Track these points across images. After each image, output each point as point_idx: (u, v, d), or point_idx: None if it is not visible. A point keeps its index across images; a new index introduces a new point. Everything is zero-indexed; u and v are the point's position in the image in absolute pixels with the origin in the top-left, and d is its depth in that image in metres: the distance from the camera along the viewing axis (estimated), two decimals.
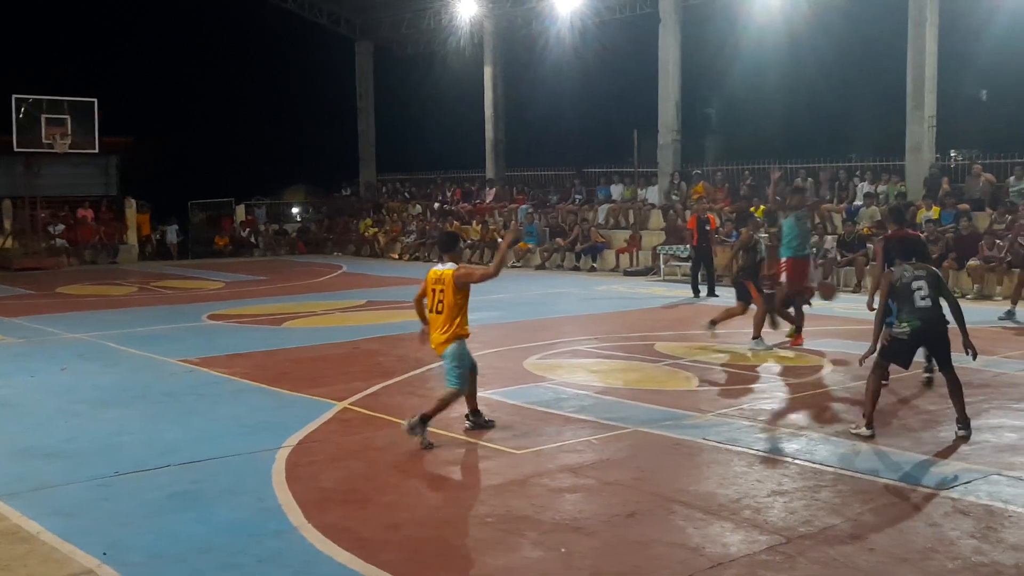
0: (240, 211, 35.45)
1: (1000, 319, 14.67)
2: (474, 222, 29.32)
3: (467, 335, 8.37)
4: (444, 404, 8.22)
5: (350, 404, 9.77)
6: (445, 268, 8.33)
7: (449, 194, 32.96)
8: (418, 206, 32.89)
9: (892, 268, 8.81)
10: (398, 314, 16.94)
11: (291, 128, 39.13)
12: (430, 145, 36.55)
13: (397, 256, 30.26)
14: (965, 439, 8.15)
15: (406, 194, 35.29)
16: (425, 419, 8.06)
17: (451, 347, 8.23)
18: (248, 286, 22.70)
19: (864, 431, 8.27)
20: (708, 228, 19.57)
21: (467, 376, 8.40)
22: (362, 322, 16.11)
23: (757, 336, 12.75)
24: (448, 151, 35.35)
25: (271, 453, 7.95)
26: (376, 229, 32.23)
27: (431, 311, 8.34)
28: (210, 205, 36.01)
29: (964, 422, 8.28)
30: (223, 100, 37.88)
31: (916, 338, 8.37)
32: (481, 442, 8.32)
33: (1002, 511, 6.40)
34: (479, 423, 8.70)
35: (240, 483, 7.23)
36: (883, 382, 9.15)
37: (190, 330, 15.49)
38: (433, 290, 8.30)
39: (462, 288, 8.23)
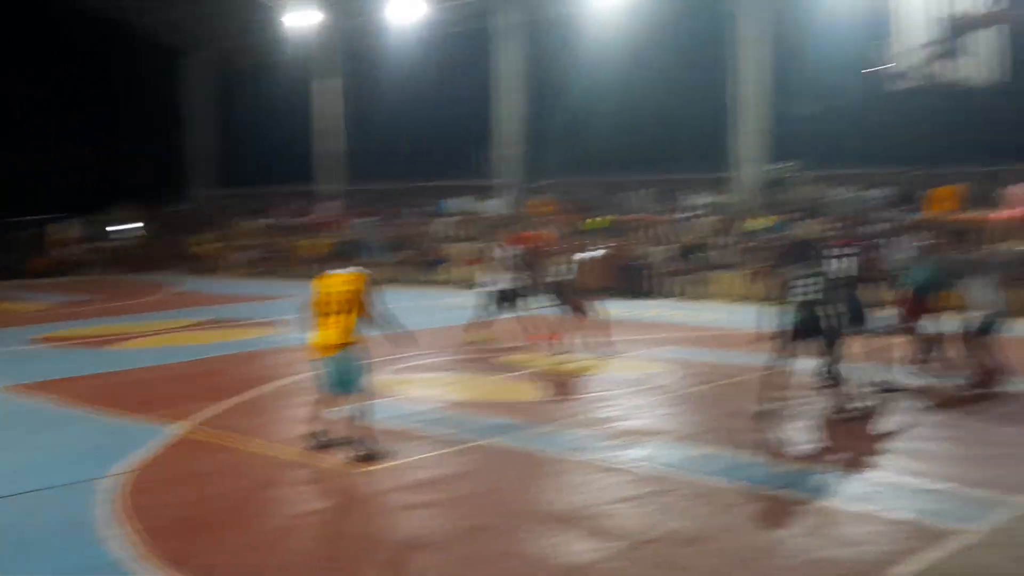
0: (70, 228, 33.66)
1: None
2: (318, 236, 28.78)
3: (365, 341, 8.20)
4: (366, 412, 8.11)
5: (186, 427, 9.36)
6: (354, 272, 8.17)
7: (292, 208, 32.27)
8: (259, 220, 32.06)
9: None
10: (239, 332, 16.47)
11: (119, 142, 37.50)
12: (271, 158, 35.72)
13: (237, 272, 29.38)
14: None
15: (246, 208, 34.35)
16: (365, 438, 8.05)
17: (351, 352, 8.03)
18: (74, 306, 21.57)
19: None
20: (539, 242, 19.93)
21: (368, 378, 8.22)
22: (201, 341, 15.55)
23: (570, 348, 12.89)
24: (289, 164, 34.63)
25: (99, 482, 7.52)
26: (214, 245, 31.23)
27: (327, 315, 8.08)
28: (26, 223, 34.00)
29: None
30: (40, 113, 35.94)
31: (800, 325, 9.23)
32: (323, 463, 8.12)
33: (834, 509, 6.68)
34: (327, 442, 8.48)
35: (58, 518, 6.77)
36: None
37: (9, 355, 14.58)
38: (337, 292, 8.07)
39: (369, 293, 8.09)
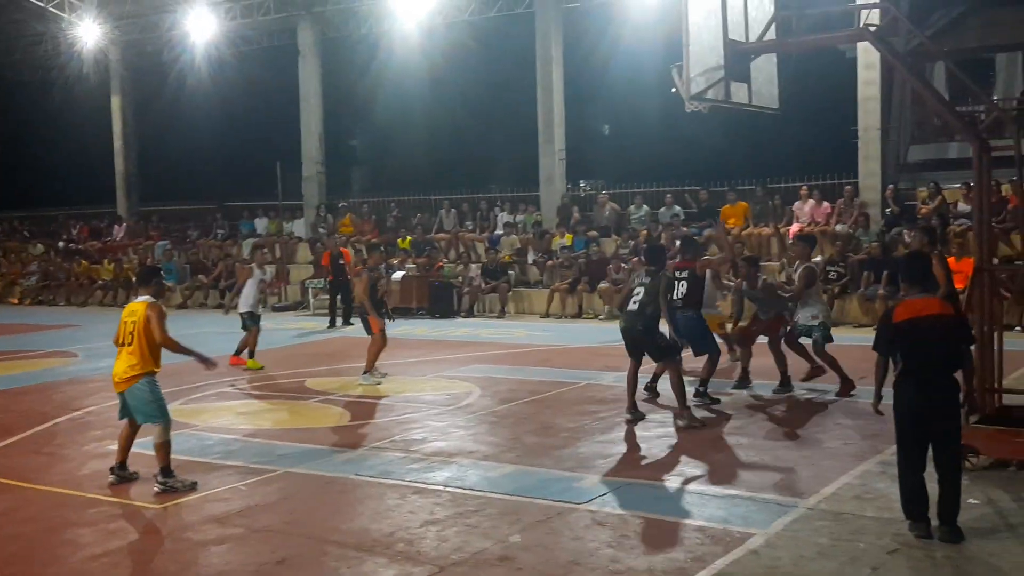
0: None
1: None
2: (105, 261, 27.35)
3: (158, 370, 7.91)
4: (166, 444, 7.80)
5: None
6: (141, 300, 7.93)
7: (76, 232, 30.51)
8: (40, 245, 30.11)
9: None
10: (19, 365, 15.40)
11: None
12: (53, 180, 33.69)
13: (17, 301, 27.49)
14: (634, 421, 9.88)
15: (25, 232, 32.23)
16: (166, 471, 7.76)
17: (142, 383, 7.77)
18: None
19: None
20: (342, 262, 19.82)
21: (165, 407, 7.93)
22: None
23: (369, 371, 12.54)
24: (74, 186, 32.78)
25: None
26: None
27: (120, 346, 7.86)
28: None
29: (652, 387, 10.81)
30: None
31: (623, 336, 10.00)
32: (120, 499, 7.68)
33: (634, 519, 6.86)
34: (124, 476, 8.09)
35: None
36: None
37: None
38: (125, 322, 7.85)
39: (155, 323, 7.77)
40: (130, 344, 7.80)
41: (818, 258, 18.58)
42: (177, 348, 7.90)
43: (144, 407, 7.82)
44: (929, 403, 6.14)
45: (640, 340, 9.92)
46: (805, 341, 11.20)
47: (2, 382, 13.62)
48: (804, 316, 11.07)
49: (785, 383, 11.20)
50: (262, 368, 13.91)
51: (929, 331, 6.18)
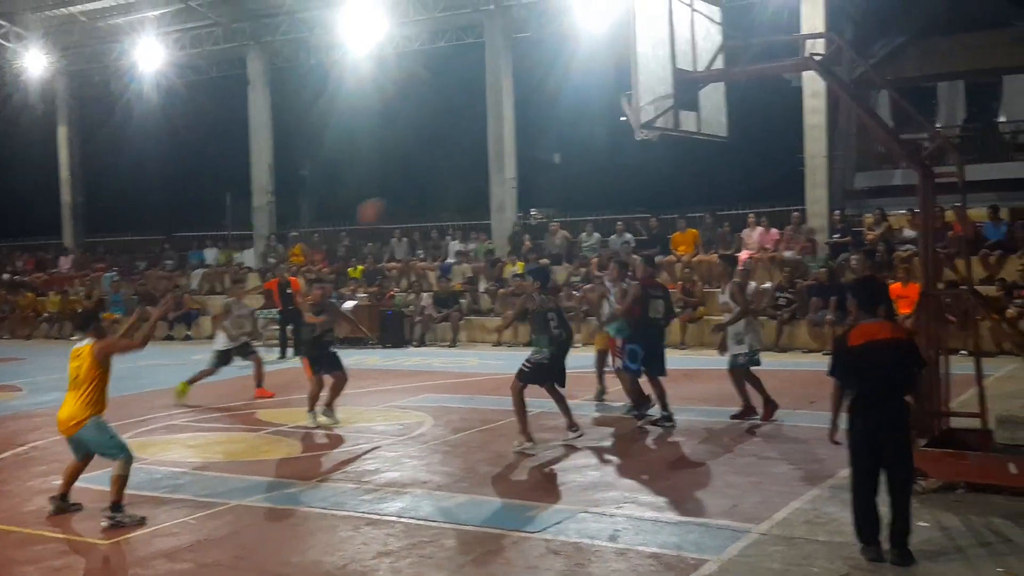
0: None
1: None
2: (51, 293, 26.88)
3: (104, 410, 7.84)
4: (124, 478, 7.70)
5: None
6: (85, 343, 7.89)
7: (21, 264, 29.97)
8: None
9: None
10: None
11: None
12: (4, 210, 33.11)
13: None
14: (578, 438, 10.02)
15: None
16: (116, 506, 7.63)
17: (90, 425, 7.72)
18: None
19: (527, 445, 9.76)
20: (290, 291, 19.66)
21: (122, 441, 7.88)
22: None
23: (311, 409, 11.89)
24: (17, 216, 32.23)
25: None
26: None
27: (67, 389, 7.84)
28: None
29: (574, 427, 10.17)
30: None
31: (553, 362, 9.99)
32: (63, 534, 7.50)
33: (588, 547, 6.85)
34: (64, 507, 8.00)
35: None
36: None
37: None
38: (71, 366, 7.86)
39: (103, 362, 7.81)
40: (77, 389, 7.77)
41: (767, 284, 18.89)
42: (148, 331, 8.32)
43: (102, 446, 7.79)
44: (882, 427, 6.20)
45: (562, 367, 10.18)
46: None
47: None
48: (733, 341, 11.12)
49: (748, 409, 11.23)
50: (184, 396, 13.64)
51: (883, 355, 6.23)
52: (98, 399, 7.80)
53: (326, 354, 11.78)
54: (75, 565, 6.98)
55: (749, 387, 11.09)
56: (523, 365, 10.12)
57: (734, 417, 11.04)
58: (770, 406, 11.04)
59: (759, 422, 10.96)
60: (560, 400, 10.22)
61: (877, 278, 7.86)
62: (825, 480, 8.25)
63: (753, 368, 11.13)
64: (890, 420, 6.23)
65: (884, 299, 6.72)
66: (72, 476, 8.02)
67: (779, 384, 11.95)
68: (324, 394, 11.73)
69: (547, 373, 10.09)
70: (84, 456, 7.96)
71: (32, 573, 6.76)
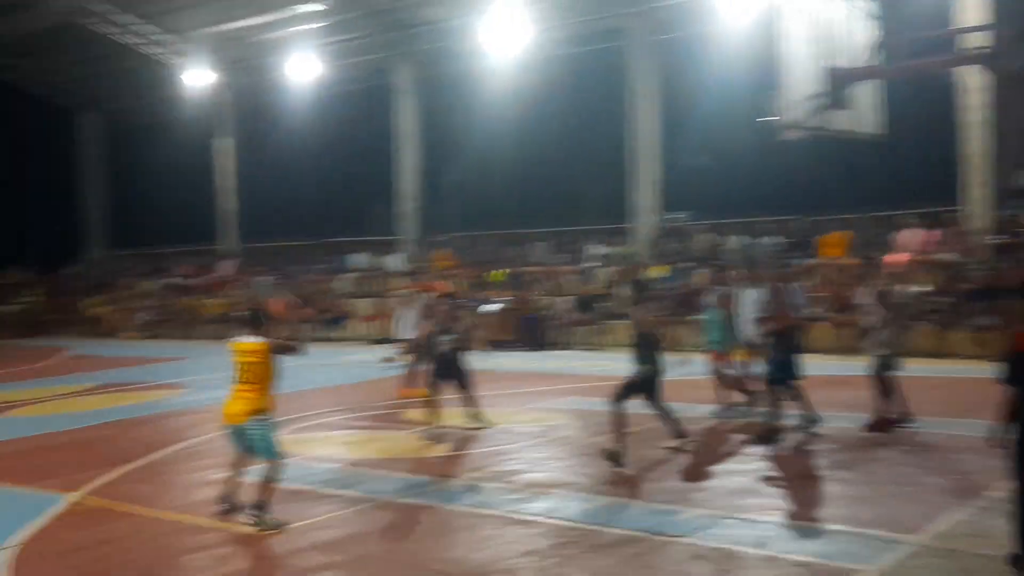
0: None
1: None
2: (212, 297, 28.25)
3: (273, 409, 8.05)
4: (273, 481, 7.85)
5: (82, 496, 9.02)
6: (256, 340, 7.98)
7: (185, 268, 31.64)
8: (152, 282, 31.31)
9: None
10: (132, 396, 15.99)
11: (9, 204, 36.28)
12: (164, 219, 34.99)
13: (131, 335, 28.59)
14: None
15: (139, 269, 33.54)
16: (262, 506, 7.77)
17: (259, 419, 7.88)
18: None
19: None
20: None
21: (279, 446, 8.04)
22: (94, 406, 15.02)
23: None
24: (183, 224, 33.99)
25: None
26: (107, 307, 30.34)
27: (235, 382, 7.98)
28: None
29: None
30: None
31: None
32: (227, 526, 7.90)
33: (735, 553, 6.77)
34: (234, 507, 8.19)
35: None
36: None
37: None
38: (243, 361, 7.94)
39: (276, 361, 7.98)
40: (247, 383, 7.92)
41: (919, 288, 18.14)
42: (300, 318, 8.29)
43: (265, 443, 7.91)
44: None
45: None
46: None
47: (116, 413, 14.17)
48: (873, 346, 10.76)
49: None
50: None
51: None
52: (269, 397, 7.98)
53: (455, 369, 11.61)
54: (237, 554, 7.34)
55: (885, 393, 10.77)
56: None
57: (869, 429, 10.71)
58: (893, 418, 10.69)
59: (908, 429, 10.57)
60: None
61: None
62: (985, 491, 7.90)
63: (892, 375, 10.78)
64: None
65: None
66: (236, 476, 8.19)
67: (937, 392, 11.51)
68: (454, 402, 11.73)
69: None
70: (244, 450, 8.11)
71: (199, 559, 7.16)
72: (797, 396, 10.70)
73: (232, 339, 8.17)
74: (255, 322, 8.17)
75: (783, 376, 10.52)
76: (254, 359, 7.92)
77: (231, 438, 8.09)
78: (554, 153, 31.68)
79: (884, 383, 10.69)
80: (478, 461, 10.08)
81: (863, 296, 11.07)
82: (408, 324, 14.47)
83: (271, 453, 7.92)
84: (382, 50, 27.06)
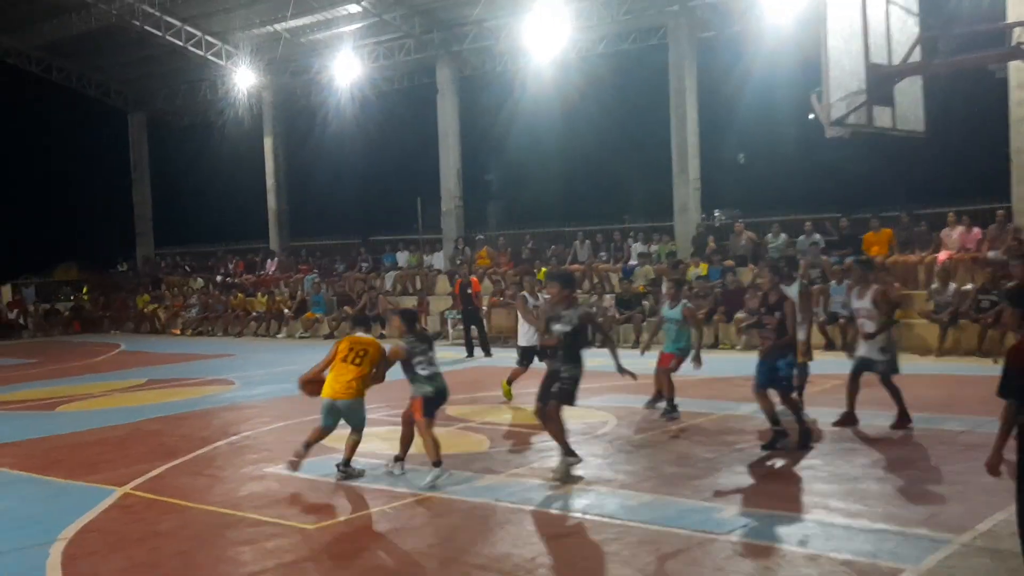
0: (6, 291, 32.99)
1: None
2: (259, 294, 28.62)
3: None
4: (357, 444, 9.42)
5: (131, 489, 9.25)
6: (370, 337, 9.67)
7: (232, 266, 32.10)
8: (199, 279, 31.80)
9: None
10: (181, 392, 16.27)
11: (61, 203, 37.08)
12: (211, 217, 35.59)
13: (179, 332, 29.07)
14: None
15: (186, 267, 34.09)
16: (348, 463, 9.31)
17: (359, 401, 9.31)
18: (17, 370, 21.10)
19: (571, 460, 9.20)
20: (470, 292, 20.19)
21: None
22: (143, 402, 15.33)
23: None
24: (229, 223, 34.52)
25: (44, 548, 7.39)
26: (155, 305, 30.87)
27: (348, 362, 9.24)
28: None
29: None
30: None
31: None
32: (273, 519, 8.06)
33: (777, 551, 6.79)
34: (349, 473, 9.32)
35: None
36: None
37: None
38: (355, 350, 9.28)
39: (383, 361, 9.37)
40: (359, 365, 9.19)
41: (968, 285, 17.96)
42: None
43: (357, 418, 9.35)
44: None
45: None
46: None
47: (166, 408, 14.44)
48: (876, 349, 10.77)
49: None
50: (510, 395, 13.60)
51: None
52: (369, 382, 9.33)
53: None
54: (284, 547, 7.47)
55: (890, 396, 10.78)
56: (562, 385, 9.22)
57: (835, 424, 10.83)
58: (904, 419, 10.68)
59: (957, 430, 10.50)
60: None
61: None
62: None
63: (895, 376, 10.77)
64: None
65: None
66: (348, 446, 9.42)
67: (984, 391, 11.37)
68: None
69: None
70: (332, 424, 9.35)
71: (247, 552, 7.31)
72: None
73: (350, 333, 9.73)
74: (364, 322, 10.53)
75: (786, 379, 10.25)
76: (369, 351, 9.31)
77: (325, 410, 9.28)
78: (596, 151, 31.71)
79: (888, 386, 10.70)
80: (519, 457, 10.17)
81: (859, 298, 10.96)
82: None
83: (360, 424, 9.39)
84: (424, 50, 27.23)
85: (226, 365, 19.96)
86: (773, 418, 10.04)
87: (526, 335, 13.58)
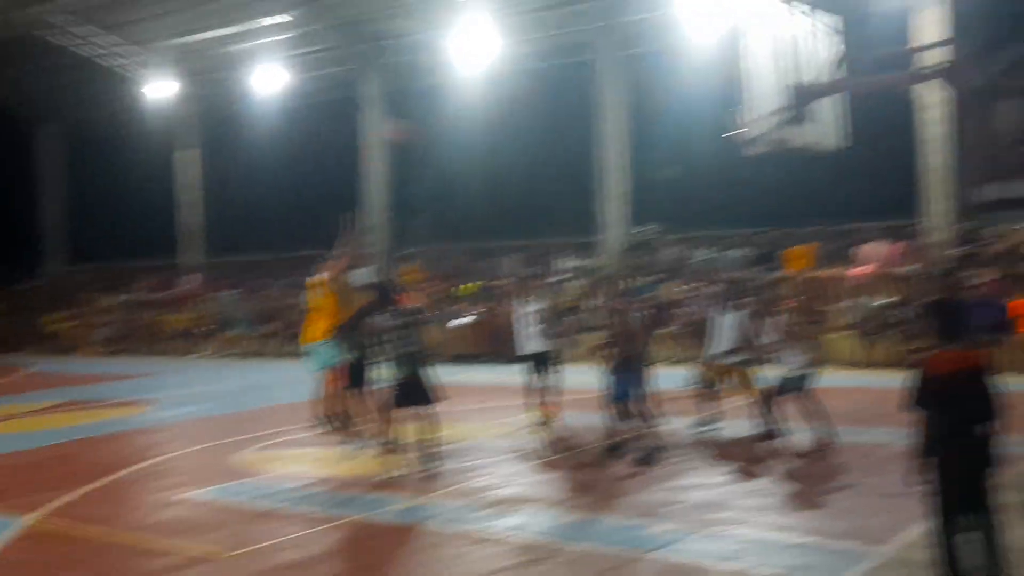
0: None
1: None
2: (178, 312, 27.96)
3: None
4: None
5: (38, 518, 8.83)
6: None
7: (150, 283, 31.30)
8: (115, 297, 30.93)
9: None
10: (92, 414, 15.74)
11: None
12: (128, 232, 34.64)
13: (92, 350, 28.23)
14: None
15: (101, 284, 33.15)
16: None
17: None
18: None
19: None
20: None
21: None
22: (52, 425, 14.75)
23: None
24: (147, 238, 33.68)
25: None
26: (67, 323, 29.94)
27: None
28: None
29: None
30: None
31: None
32: (188, 545, 7.77)
33: (704, 568, 6.74)
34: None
35: None
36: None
37: None
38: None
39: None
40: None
41: (885, 299, 18.36)
42: None
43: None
44: (968, 463, 5.74)
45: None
46: None
47: (76, 431, 13.93)
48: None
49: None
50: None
51: (968, 384, 5.77)
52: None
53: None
54: None
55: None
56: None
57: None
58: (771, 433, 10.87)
59: (876, 443, 10.63)
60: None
61: (954, 301, 7.31)
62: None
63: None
64: (976, 454, 5.75)
65: (963, 323, 6.23)
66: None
67: (893, 401, 11.59)
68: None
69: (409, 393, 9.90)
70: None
71: None
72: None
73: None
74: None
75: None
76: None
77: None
78: (524, 166, 31.71)
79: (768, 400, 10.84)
80: (445, 478, 9.99)
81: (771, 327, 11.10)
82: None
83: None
84: (349, 62, 26.99)
85: (141, 385, 19.40)
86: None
87: (528, 341, 12.47)
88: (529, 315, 12.48)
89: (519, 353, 12.68)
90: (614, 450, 10.47)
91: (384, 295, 10.20)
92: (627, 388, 10.47)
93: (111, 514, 9.05)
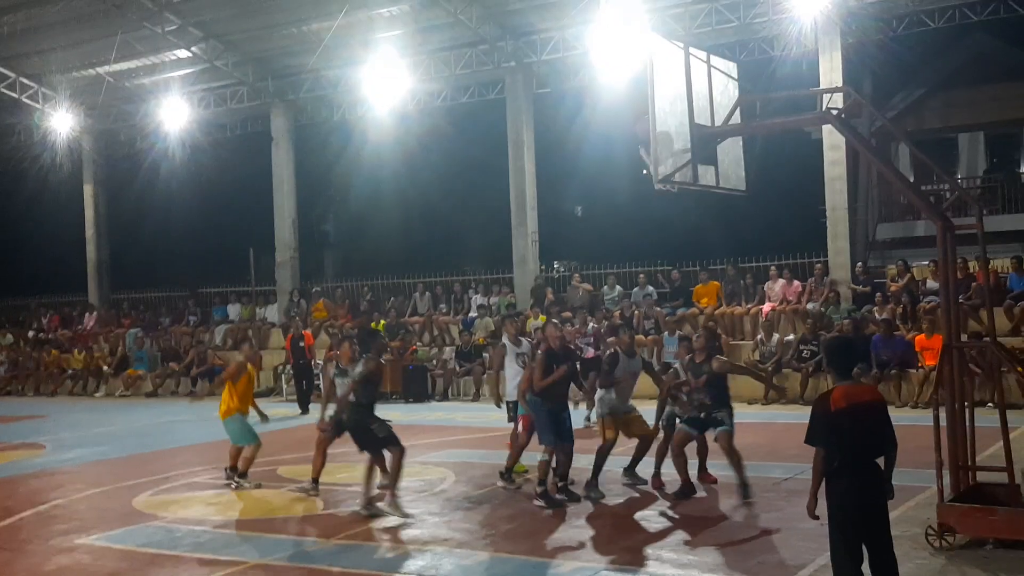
0: None
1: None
2: (76, 350, 27.05)
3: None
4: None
5: None
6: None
7: (46, 321, 30.23)
8: (9, 335, 29.78)
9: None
10: None
11: None
12: (24, 268, 33.55)
13: None
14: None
15: None
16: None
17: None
18: None
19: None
20: (302, 345, 19.88)
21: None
22: None
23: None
24: (45, 274, 32.65)
25: None
26: None
27: None
28: None
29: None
30: None
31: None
32: None
33: None
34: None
35: None
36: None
37: None
38: None
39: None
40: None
41: (790, 336, 18.80)
42: None
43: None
44: (865, 495, 5.86)
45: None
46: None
47: None
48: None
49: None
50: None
51: (865, 419, 5.90)
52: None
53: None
54: None
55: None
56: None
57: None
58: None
59: (780, 477, 10.81)
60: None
61: (849, 339, 7.53)
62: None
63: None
64: (874, 487, 5.90)
65: (858, 359, 6.40)
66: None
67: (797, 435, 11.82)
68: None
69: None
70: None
71: None
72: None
73: None
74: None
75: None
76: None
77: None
78: (436, 202, 31.81)
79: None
80: (353, 519, 9.82)
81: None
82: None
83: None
84: (258, 97, 26.67)
85: (36, 427, 18.66)
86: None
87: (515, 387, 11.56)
88: (523, 356, 12.02)
89: (509, 400, 12.05)
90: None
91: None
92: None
93: (5, 560, 8.66)
